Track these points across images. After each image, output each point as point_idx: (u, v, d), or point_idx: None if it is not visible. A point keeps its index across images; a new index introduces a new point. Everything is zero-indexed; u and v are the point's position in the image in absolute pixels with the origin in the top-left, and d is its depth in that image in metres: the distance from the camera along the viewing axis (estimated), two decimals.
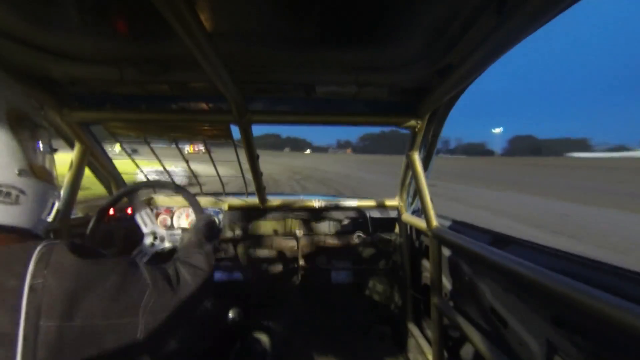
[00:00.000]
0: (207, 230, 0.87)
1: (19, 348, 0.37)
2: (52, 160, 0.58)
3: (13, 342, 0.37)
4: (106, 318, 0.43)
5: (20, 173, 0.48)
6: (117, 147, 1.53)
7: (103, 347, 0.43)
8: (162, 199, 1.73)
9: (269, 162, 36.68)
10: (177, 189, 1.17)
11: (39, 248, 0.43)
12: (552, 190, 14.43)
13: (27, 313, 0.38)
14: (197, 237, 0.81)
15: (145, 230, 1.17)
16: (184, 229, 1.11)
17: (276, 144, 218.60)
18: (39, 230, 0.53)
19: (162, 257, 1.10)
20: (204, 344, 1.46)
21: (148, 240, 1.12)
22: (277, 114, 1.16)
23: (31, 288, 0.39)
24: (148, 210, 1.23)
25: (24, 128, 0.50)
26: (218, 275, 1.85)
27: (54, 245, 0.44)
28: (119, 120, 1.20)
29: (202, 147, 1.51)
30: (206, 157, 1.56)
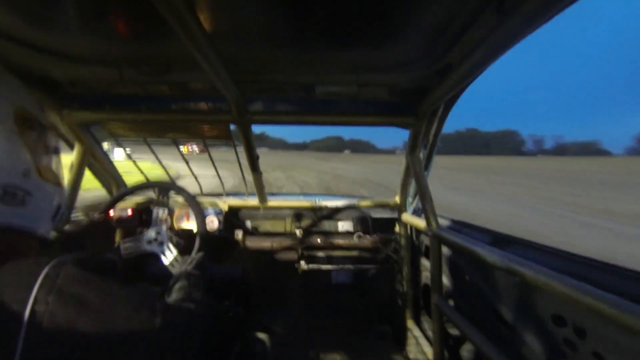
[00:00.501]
0: (200, 271, 0.85)
1: None
2: (59, 162, 0.58)
3: None
4: (103, 357, 0.40)
5: (26, 174, 0.47)
6: (106, 145, 1.52)
7: None
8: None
9: (286, 168, 22.05)
10: (178, 189, 1.17)
11: (45, 271, 0.40)
12: None
13: (25, 341, 0.35)
14: (191, 283, 0.76)
15: (153, 224, 1.12)
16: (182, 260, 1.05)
17: (337, 146, 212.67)
18: (44, 232, 0.52)
19: (147, 260, 1.08)
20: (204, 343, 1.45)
21: (149, 235, 1.08)
22: (277, 114, 1.16)
23: (32, 314, 0.36)
24: (167, 210, 1.18)
25: (31, 129, 0.49)
26: (218, 275, 1.85)
27: (62, 266, 0.41)
28: (119, 120, 1.20)
29: (195, 148, 1.50)
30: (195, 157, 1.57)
